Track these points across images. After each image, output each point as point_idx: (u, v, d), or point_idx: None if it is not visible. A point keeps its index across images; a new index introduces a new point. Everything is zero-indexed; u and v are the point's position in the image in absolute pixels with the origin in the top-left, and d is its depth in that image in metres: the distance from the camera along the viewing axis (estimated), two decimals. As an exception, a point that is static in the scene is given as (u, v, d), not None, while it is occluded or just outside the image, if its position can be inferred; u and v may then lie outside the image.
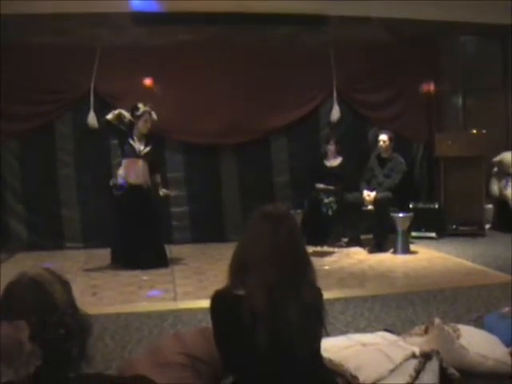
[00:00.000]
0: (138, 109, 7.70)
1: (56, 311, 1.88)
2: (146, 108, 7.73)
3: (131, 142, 7.71)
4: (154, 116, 7.79)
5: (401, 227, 8.44)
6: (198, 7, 9.00)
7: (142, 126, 7.73)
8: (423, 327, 4.00)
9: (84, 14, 8.81)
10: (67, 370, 1.87)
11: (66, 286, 2.03)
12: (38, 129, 9.16)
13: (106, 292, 6.53)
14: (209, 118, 9.33)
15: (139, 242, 7.64)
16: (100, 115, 9.04)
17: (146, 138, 7.79)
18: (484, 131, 9.79)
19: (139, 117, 7.71)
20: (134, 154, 7.71)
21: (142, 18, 9.13)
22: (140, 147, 7.73)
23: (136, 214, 7.62)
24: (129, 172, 7.72)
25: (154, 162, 7.96)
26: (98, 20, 8.98)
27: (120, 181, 7.75)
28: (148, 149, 7.77)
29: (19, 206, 9.21)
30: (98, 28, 8.98)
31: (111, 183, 7.87)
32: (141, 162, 7.73)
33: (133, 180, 7.68)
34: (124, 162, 7.81)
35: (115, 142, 8.83)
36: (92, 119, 9.08)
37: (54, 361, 1.83)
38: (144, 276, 7.25)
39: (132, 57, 9.08)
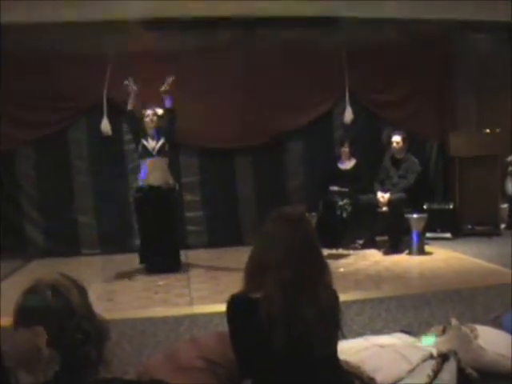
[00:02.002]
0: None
1: (73, 316, 1.89)
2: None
3: (144, 142, 7.80)
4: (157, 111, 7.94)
5: (416, 228, 8.42)
6: (210, 12, 9.02)
7: (147, 125, 7.86)
8: (440, 328, 3.99)
9: (96, 21, 8.84)
10: (85, 374, 1.88)
11: (82, 291, 2.05)
12: (53, 136, 9.23)
13: (122, 297, 6.57)
14: (222, 122, 9.35)
15: (157, 245, 7.70)
16: (113, 121, 9.13)
17: (158, 135, 7.86)
18: (498, 130, 9.75)
19: (142, 118, 7.91)
20: (149, 154, 7.78)
21: (154, 24, 9.16)
22: (153, 144, 7.79)
23: (155, 216, 7.68)
24: (147, 173, 7.77)
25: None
26: (109, 27, 9.01)
27: (140, 183, 7.81)
28: (161, 142, 7.83)
29: (35, 213, 9.28)
30: (110, 35, 9.01)
31: (135, 186, 7.95)
32: (158, 161, 7.80)
33: (152, 181, 7.73)
34: (142, 163, 7.89)
35: (129, 147, 9.00)
36: (105, 126, 9.11)
37: (72, 366, 1.84)
38: (160, 281, 7.27)
39: (144, 63, 9.10)
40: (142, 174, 7.85)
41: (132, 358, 4.35)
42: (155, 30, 9.14)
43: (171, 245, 7.93)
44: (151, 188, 7.72)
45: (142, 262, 7.98)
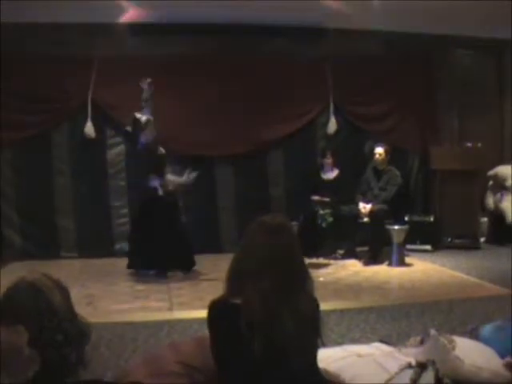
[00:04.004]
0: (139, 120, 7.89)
1: (54, 317, 1.88)
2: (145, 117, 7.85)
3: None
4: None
5: (396, 239, 8.46)
6: (196, 19, 9.04)
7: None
8: (418, 338, 4.00)
9: (82, 24, 8.83)
10: (65, 375, 1.87)
11: (64, 291, 2.04)
12: (35, 138, 9.14)
13: (101, 301, 6.53)
14: (205, 129, 9.35)
15: (170, 246, 7.73)
16: (97, 125, 9.11)
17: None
18: (479, 145, 9.83)
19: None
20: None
21: (140, 29, 9.15)
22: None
23: (166, 219, 7.70)
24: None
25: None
26: (96, 30, 9.00)
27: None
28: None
29: (14, 215, 9.18)
30: (96, 38, 8.99)
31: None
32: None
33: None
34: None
35: (112, 151, 9.04)
36: (89, 129, 9.10)
37: (51, 366, 1.83)
38: (139, 286, 7.25)
39: (129, 67, 9.08)
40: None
41: (110, 363, 4.33)
42: (142, 35, 9.14)
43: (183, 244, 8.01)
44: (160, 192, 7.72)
45: (132, 265, 7.92)
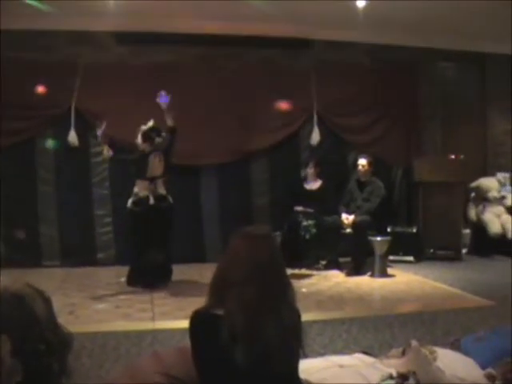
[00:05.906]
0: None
1: (37, 326, 1.87)
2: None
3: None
4: None
5: (379, 251, 8.48)
6: (182, 28, 9.07)
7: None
8: (400, 349, 4.01)
9: (68, 31, 8.82)
10: (47, 385, 1.86)
11: (47, 301, 2.03)
12: (19, 145, 9.09)
13: (82, 311, 6.48)
14: (190, 138, 9.31)
15: (154, 258, 7.66)
16: (81, 133, 9.08)
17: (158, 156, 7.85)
18: (462, 157, 9.90)
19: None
20: (149, 178, 7.74)
21: (126, 37, 9.16)
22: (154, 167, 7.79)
23: (154, 229, 7.57)
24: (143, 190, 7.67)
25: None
26: (81, 38, 8.99)
27: (139, 195, 7.64)
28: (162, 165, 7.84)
29: (-1, 222, 9.14)
30: (82, 46, 8.99)
31: (130, 201, 7.70)
32: (157, 182, 7.75)
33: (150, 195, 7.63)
34: (138, 182, 7.76)
35: (95, 159, 8.99)
36: (72, 137, 9.07)
37: (34, 376, 1.82)
38: (122, 295, 7.22)
39: (114, 76, 9.09)
40: (138, 190, 7.71)
41: (92, 373, 4.31)
42: (127, 44, 9.14)
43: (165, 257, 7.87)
44: (151, 201, 7.58)
45: (134, 282, 7.70)
